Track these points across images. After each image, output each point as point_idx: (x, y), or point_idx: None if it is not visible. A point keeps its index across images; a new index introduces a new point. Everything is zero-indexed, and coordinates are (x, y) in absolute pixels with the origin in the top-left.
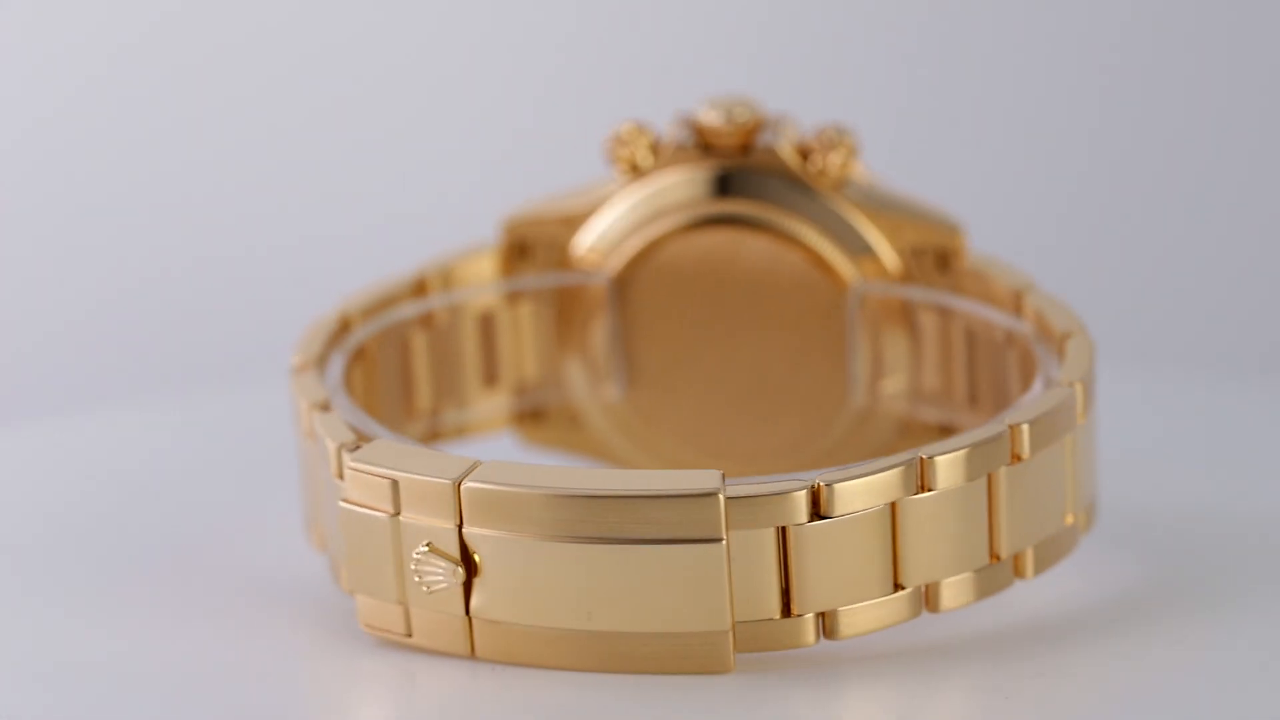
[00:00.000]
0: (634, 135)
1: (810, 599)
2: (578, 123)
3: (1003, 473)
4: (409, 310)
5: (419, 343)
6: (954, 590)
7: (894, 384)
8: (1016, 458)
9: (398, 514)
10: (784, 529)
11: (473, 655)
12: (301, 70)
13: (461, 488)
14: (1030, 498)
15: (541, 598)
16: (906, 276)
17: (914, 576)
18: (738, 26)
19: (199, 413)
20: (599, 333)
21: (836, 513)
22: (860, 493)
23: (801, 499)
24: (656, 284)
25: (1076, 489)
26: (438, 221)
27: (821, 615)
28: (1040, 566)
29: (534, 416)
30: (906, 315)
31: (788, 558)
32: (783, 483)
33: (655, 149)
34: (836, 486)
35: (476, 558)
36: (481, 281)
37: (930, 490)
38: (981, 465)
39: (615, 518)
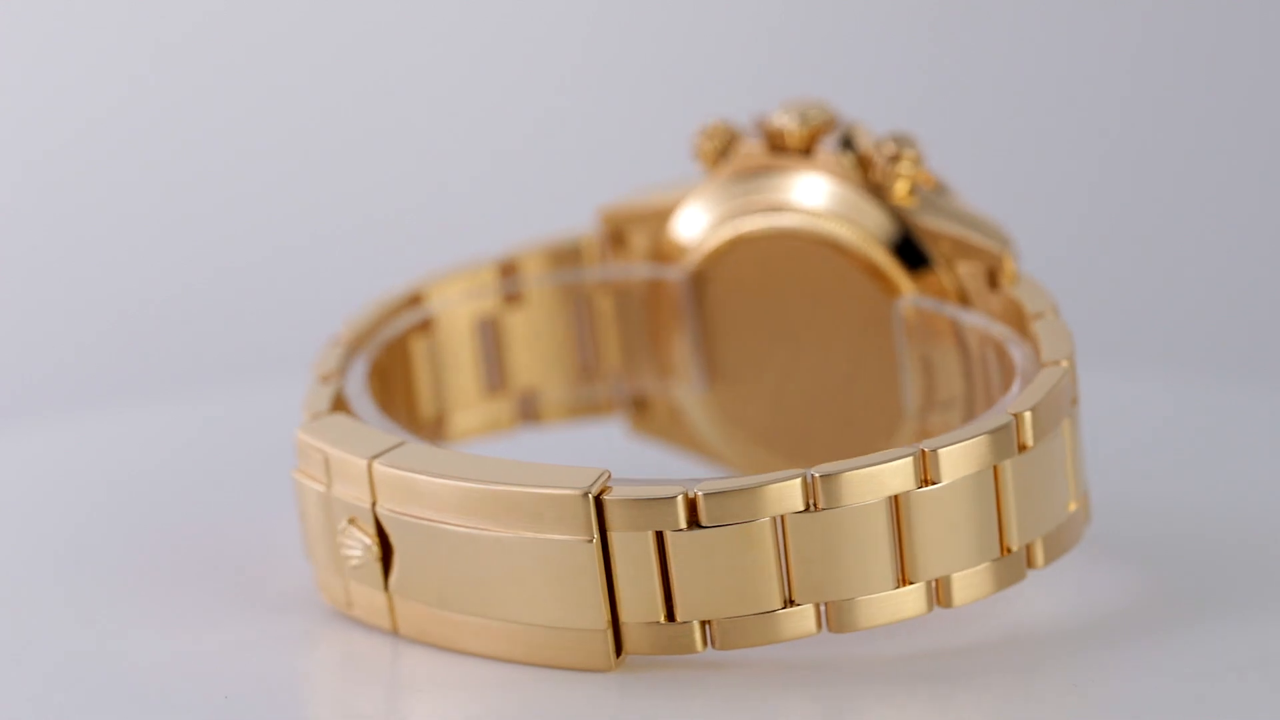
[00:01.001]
0: (716, 132)
1: (691, 606)
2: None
3: (1007, 465)
4: (493, 290)
5: (509, 322)
6: (867, 609)
7: (945, 419)
8: (1023, 447)
9: (329, 488)
10: (661, 534)
11: (396, 633)
12: (338, 67)
13: (373, 467)
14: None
15: (442, 582)
16: (960, 293)
17: (805, 594)
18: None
19: (205, 412)
20: (681, 329)
21: (707, 522)
22: (740, 504)
23: (678, 506)
24: (729, 283)
25: (1076, 475)
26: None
27: (708, 623)
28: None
29: (639, 407)
30: (955, 332)
31: (666, 562)
32: (663, 488)
33: (733, 148)
34: (711, 496)
35: (391, 537)
36: (575, 268)
37: (821, 508)
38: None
39: (500, 510)
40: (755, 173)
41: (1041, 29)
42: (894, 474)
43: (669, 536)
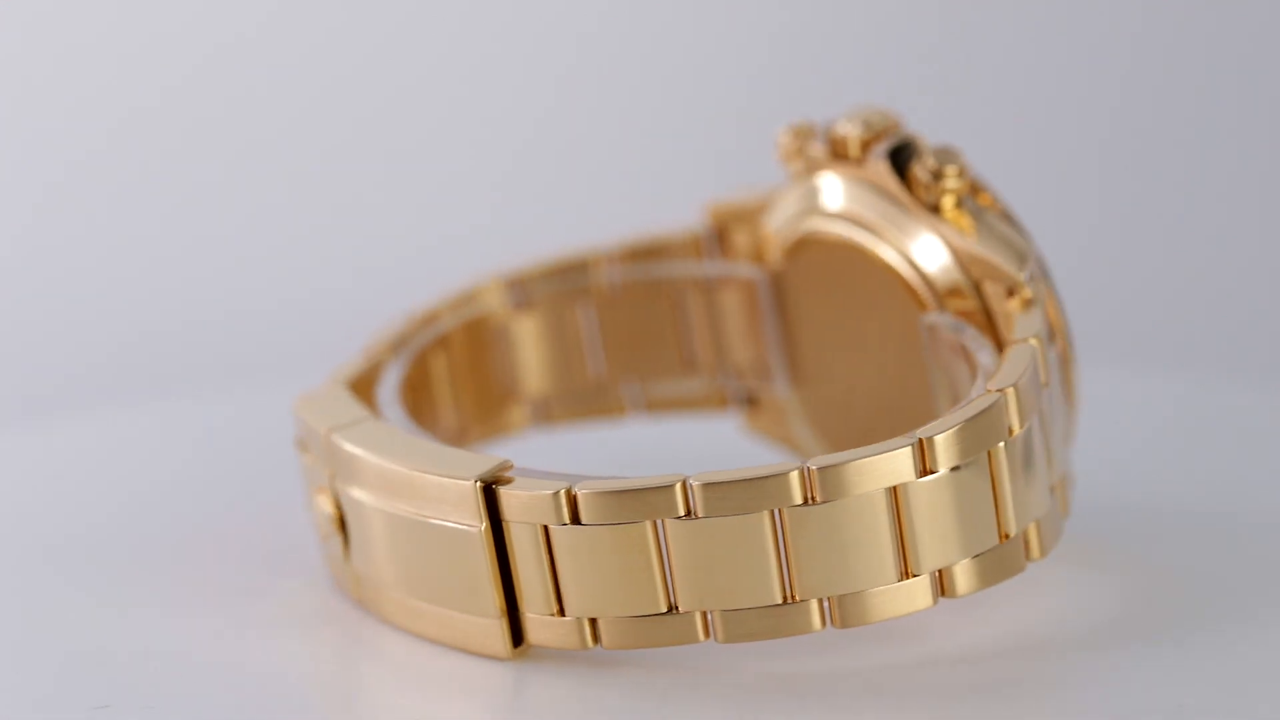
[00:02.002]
0: (798, 132)
1: (578, 602)
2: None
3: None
4: (598, 278)
5: (607, 312)
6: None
7: None
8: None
9: (308, 457)
10: (546, 528)
11: (360, 604)
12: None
13: (329, 439)
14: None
15: (375, 560)
16: (986, 312)
17: (688, 601)
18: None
19: (214, 413)
20: (766, 328)
21: (587, 520)
22: (616, 505)
23: (560, 501)
24: (801, 284)
25: (1051, 459)
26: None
27: (593, 620)
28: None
29: (752, 405)
30: (965, 352)
31: (553, 556)
32: (549, 482)
33: (809, 151)
34: (587, 494)
35: (344, 510)
36: (676, 261)
37: (701, 517)
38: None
39: (410, 492)
40: (812, 176)
41: (1054, 30)
42: (780, 489)
43: (553, 531)
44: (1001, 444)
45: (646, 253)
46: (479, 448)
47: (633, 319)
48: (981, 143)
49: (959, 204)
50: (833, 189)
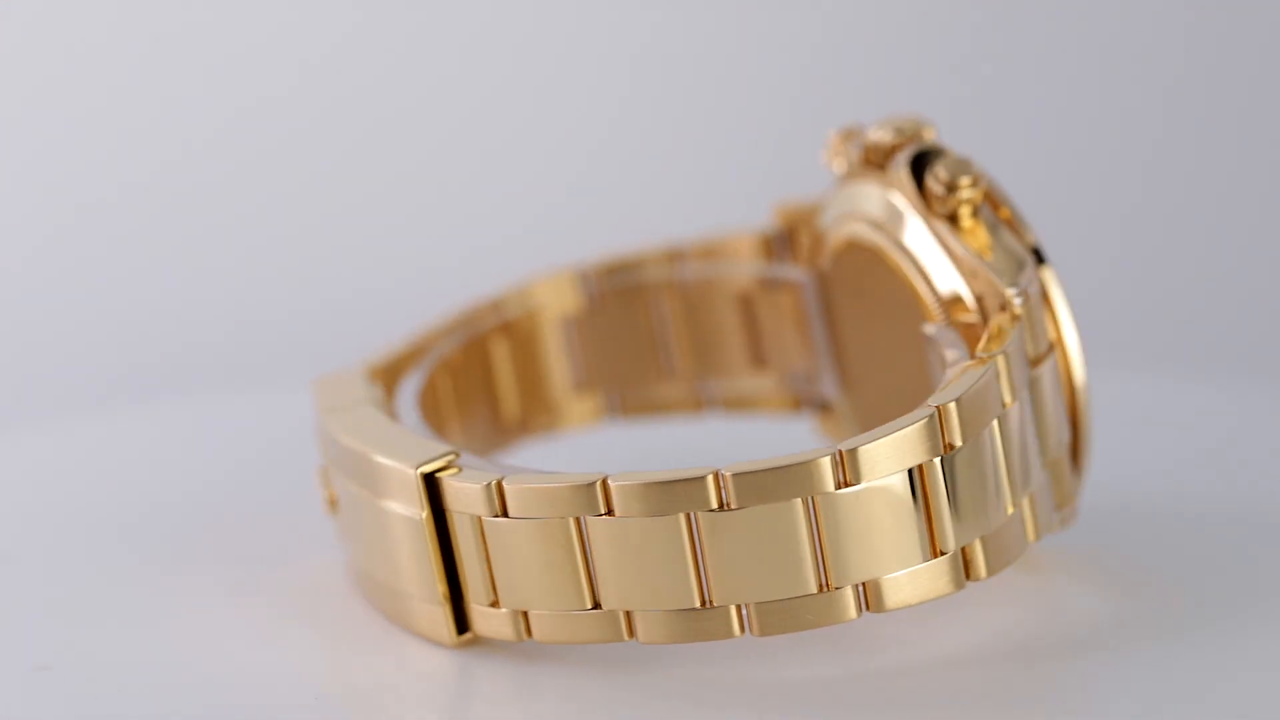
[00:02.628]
0: (846, 136)
1: (508, 594)
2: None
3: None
4: (654, 275)
5: (667, 310)
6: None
7: None
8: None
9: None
10: (480, 519)
11: (352, 584)
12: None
13: (321, 420)
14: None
15: (348, 539)
16: (985, 322)
17: (610, 599)
18: None
19: (227, 414)
20: (814, 329)
21: (514, 513)
22: (537, 499)
23: (491, 493)
24: (841, 288)
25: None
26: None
27: (524, 614)
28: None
29: (824, 410)
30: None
31: (487, 548)
32: (481, 474)
33: (849, 155)
34: (514, 488)
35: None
36: (738, 261)
37: (612, 514)
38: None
39: (368, 476)
40: (852, 181)
41: (1056, 32)
42: (697, 493)
43: (485, 522)
44: (937, 460)
45: (715, 251)
46: (538, 439)
47: (703, 317)
48: (982, 137)
49: (975, 214)
50: (866, 194)
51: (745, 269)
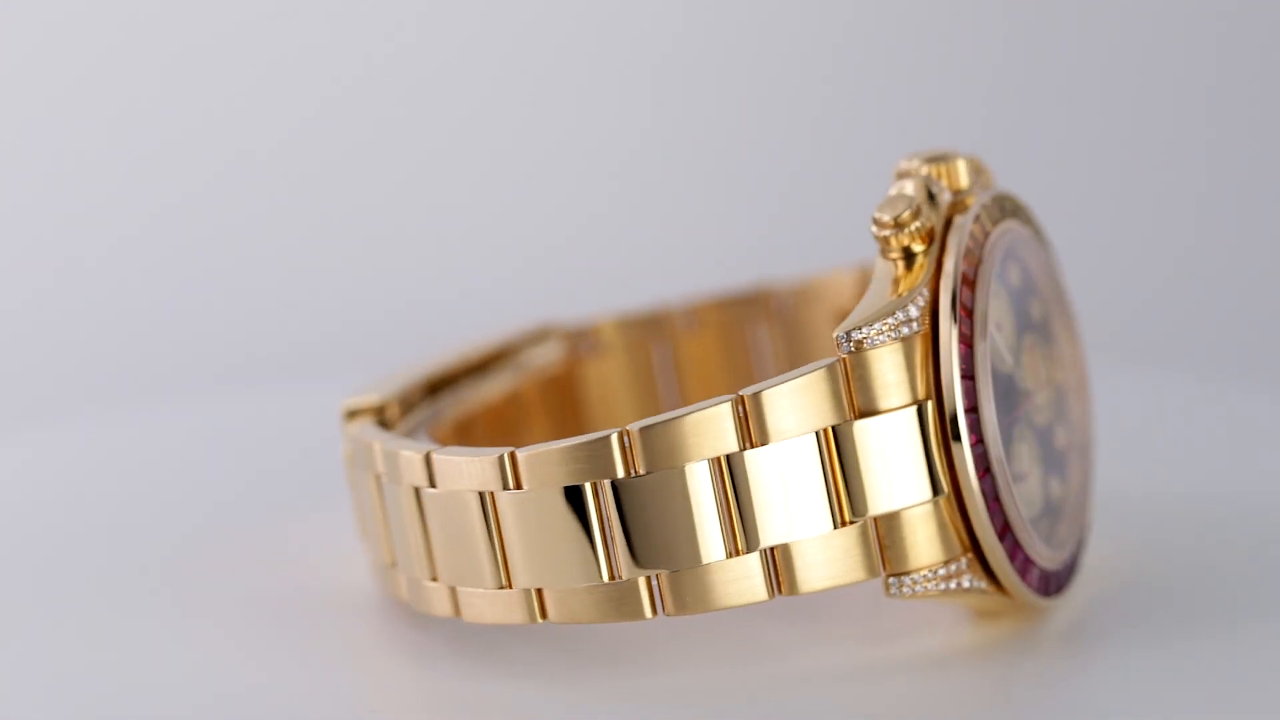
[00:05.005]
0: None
1: (440, 571)
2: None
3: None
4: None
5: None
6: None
7: None
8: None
9: None
10: (417, 489)
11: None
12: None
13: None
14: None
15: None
16: None
17: (522, 577)
18: None
19: (225, 415)
20: None
21: (442, 487)
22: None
23: (418, 461)
24: None
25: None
26: None
27: (453, 590)
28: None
29: None
30: None
31: (425, 521)
32: (410, 447)
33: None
34: (441, 459)
35: None
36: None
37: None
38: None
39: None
40: None
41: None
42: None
43: (421, 493)
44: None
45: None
46: None
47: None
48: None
49: (930, 240)
50: None
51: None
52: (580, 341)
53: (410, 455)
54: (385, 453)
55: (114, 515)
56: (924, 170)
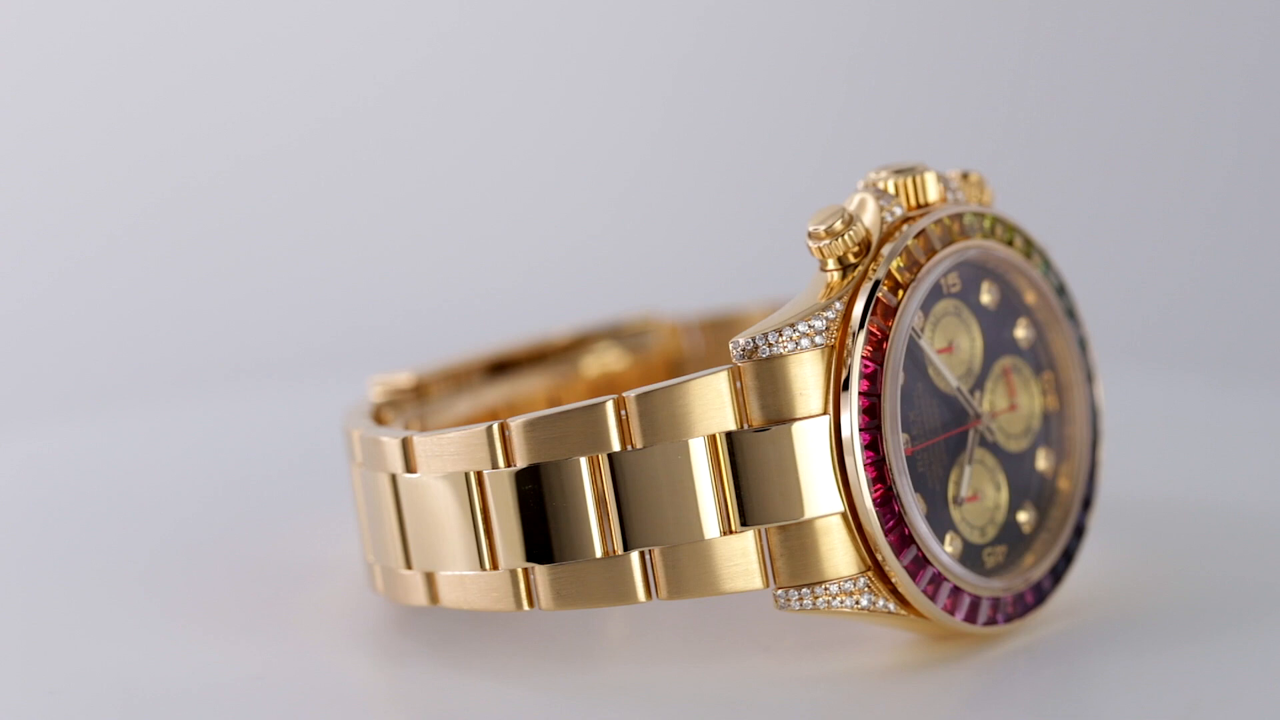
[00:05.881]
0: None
1: (419, 555)
2: None
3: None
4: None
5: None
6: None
7: None
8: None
9: None
10: (394, 476)
11: None
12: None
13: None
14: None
15: None
16: None
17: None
18: None
19: (226, 416)
20: None
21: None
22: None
23: (395, 448)
24: None
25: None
26: None
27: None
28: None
29: None
30: None
31: (400, 505)
32: (386, 435)
33: None
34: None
35: None
36: None
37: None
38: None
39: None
40: None
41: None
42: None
43: (398, 479)
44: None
45: None
46: None
47: None
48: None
49: (860, 252)
50: None
51: None
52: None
53: (389, 441)
54: (364, 440)
55: (113, 515)
56: (891, 183)
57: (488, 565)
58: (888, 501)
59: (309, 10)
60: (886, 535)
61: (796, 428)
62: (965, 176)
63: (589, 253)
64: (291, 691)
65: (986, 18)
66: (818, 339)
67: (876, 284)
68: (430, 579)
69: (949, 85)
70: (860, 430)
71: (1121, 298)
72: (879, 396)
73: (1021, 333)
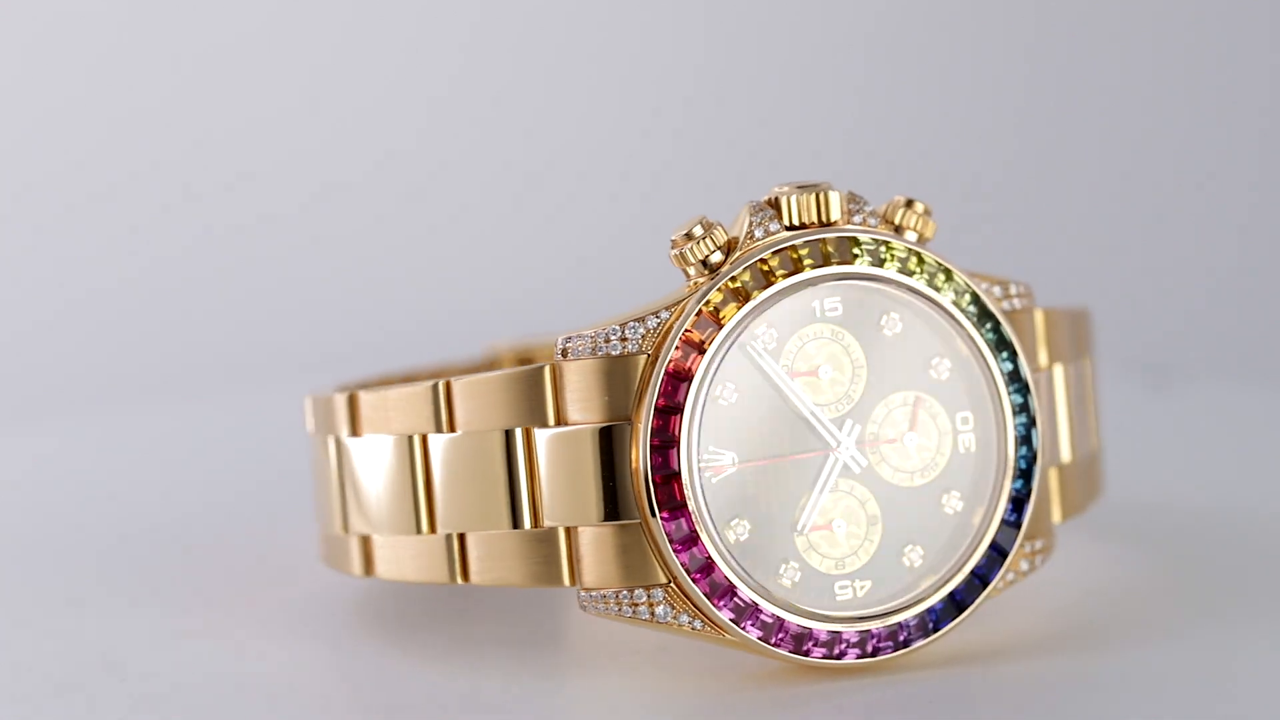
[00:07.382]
0: None
1: (356, 519)
2: None
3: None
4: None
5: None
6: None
7: None
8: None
9: None
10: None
11: None
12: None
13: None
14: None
15: None
16: None
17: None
18: None
19: (225, 416)
20: None
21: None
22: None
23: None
24: None
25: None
26: None
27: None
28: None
29: None
30: None
31: (342, 468)
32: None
33: None
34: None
35: None
36: None
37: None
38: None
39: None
40: None
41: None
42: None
43: (341, 442)
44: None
45: None
46: None
47: None
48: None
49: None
50: None
51: None
52: None
53: (336, 398)
54: (315, 402)
55: (112, 514)
56: (793, 199)
57: (425, 530)
58: (678, 518)
59: (286, 17)
60: (677, 554)
61: (599, 431)
62: (910, 204)
63: (586, 255)
64: (260, 687)
65: (987, 18)
66: (629, 345)
67: (705, 293)
68: (365, 543)
69: (949, 85)
70: (650, 440)
71: (1122, 298)
72: (679, 409)
73: (934, 371)
